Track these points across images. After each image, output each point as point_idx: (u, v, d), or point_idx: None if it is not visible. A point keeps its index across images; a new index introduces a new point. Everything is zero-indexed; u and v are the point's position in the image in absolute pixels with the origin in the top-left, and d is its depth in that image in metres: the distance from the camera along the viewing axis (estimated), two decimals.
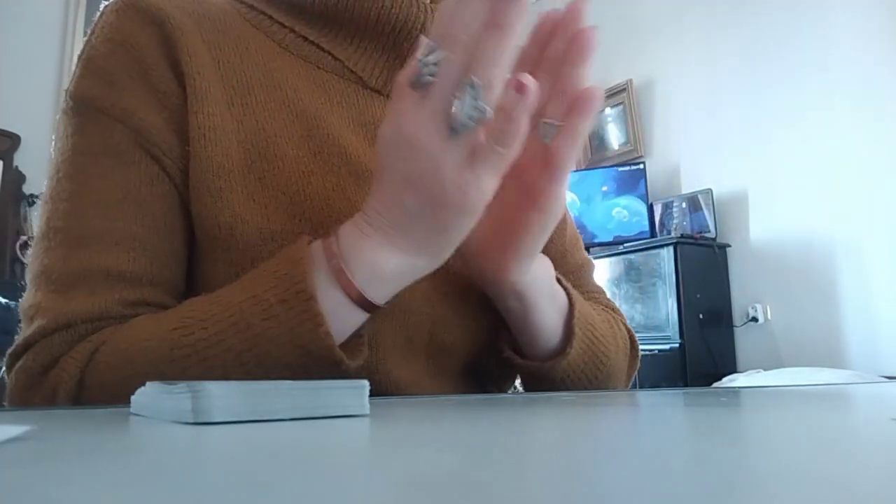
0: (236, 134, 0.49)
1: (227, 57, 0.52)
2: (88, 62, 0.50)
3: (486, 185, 0.39)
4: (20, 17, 2.92)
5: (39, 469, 0.16)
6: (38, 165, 2.90)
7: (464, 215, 0.40)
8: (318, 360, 0.41)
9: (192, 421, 0.26)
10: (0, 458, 0.18)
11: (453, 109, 0.37)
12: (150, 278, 0.47)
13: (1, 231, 2.78)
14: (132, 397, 0.34)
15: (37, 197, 2.89)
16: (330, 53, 0.56)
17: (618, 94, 3.60)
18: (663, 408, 0.35)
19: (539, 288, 0.50)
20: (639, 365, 0.64)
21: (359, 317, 0.43)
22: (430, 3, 0.57)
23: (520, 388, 0.60)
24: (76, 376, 0.43)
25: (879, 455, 0.19)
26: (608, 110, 3.66)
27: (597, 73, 3.31)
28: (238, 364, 0.40)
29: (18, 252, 2.80)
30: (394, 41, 0.55)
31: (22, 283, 0.49)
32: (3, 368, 0.47)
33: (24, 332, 0.46)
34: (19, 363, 0.45)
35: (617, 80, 3.62)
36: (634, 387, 0.62)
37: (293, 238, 0.47)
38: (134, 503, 0.12)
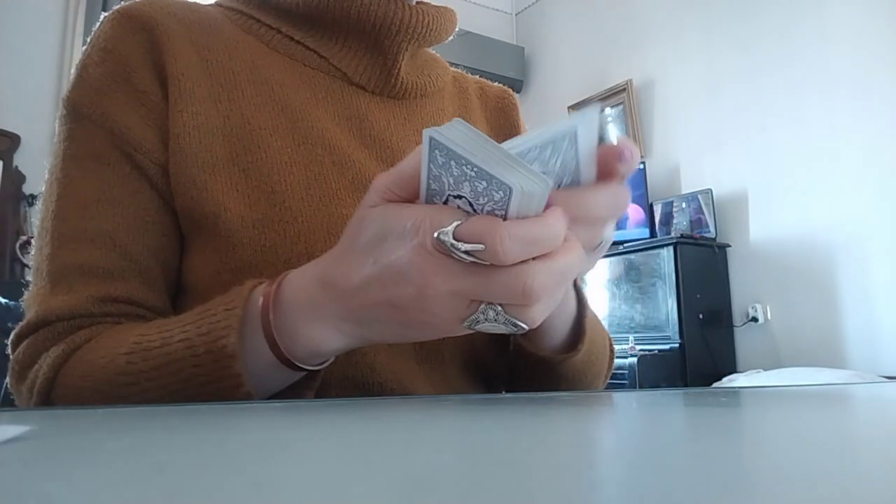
0: (222, 129, 0.52)
1: (216, 57, 0.55)
2: (82, 70, 0.53)
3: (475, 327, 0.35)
4: (20, 18, 2.91)
5: (39, 469, 0.16)
6: (38, 165, 2.87)
7: (439, 335, 0.38)
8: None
9: None
10: (0, 458, 0.18)
11: (480, 318, 0.33)
12: (121, 273, 0.50)
13: (1, 231, 2.78)
14: None
15: (36, 197, 2.88)
16: (315, 52, 0.58)
17: (618, 94, 3.60)
18: (663, 408, 0.35)
19: None
20: (613, 366, 0.64)
21: (294, 374, 0.42)
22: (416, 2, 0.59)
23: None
24: (49, 376, 0.45)
25: (879, 455, 0.19)
26: (608, 110, 3.65)
27: (597, 74, 3.29)
28: (174, 401, 0.41)
29: (18, 252, 2.80)
30: (375, 38, 0.58)
31: (22, 281, 0.53)
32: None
33: (24, 320, 0.50)
34: (17, 352, 0.49)
35: (617, 80, 3.62)
36: (634, 387, 0.62)
37: (273, 225, 0.50)
38: (134, 503, 0.12)
